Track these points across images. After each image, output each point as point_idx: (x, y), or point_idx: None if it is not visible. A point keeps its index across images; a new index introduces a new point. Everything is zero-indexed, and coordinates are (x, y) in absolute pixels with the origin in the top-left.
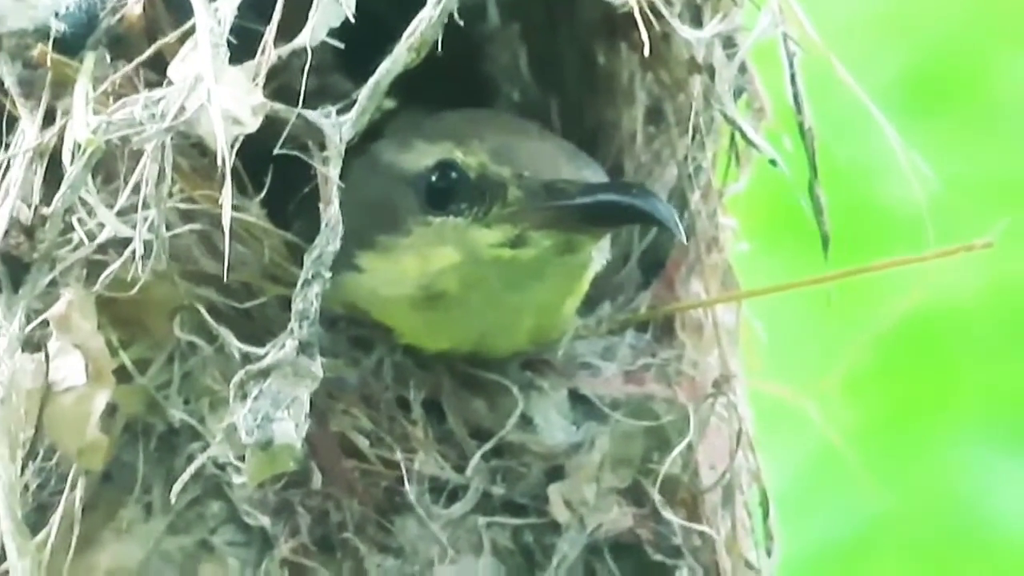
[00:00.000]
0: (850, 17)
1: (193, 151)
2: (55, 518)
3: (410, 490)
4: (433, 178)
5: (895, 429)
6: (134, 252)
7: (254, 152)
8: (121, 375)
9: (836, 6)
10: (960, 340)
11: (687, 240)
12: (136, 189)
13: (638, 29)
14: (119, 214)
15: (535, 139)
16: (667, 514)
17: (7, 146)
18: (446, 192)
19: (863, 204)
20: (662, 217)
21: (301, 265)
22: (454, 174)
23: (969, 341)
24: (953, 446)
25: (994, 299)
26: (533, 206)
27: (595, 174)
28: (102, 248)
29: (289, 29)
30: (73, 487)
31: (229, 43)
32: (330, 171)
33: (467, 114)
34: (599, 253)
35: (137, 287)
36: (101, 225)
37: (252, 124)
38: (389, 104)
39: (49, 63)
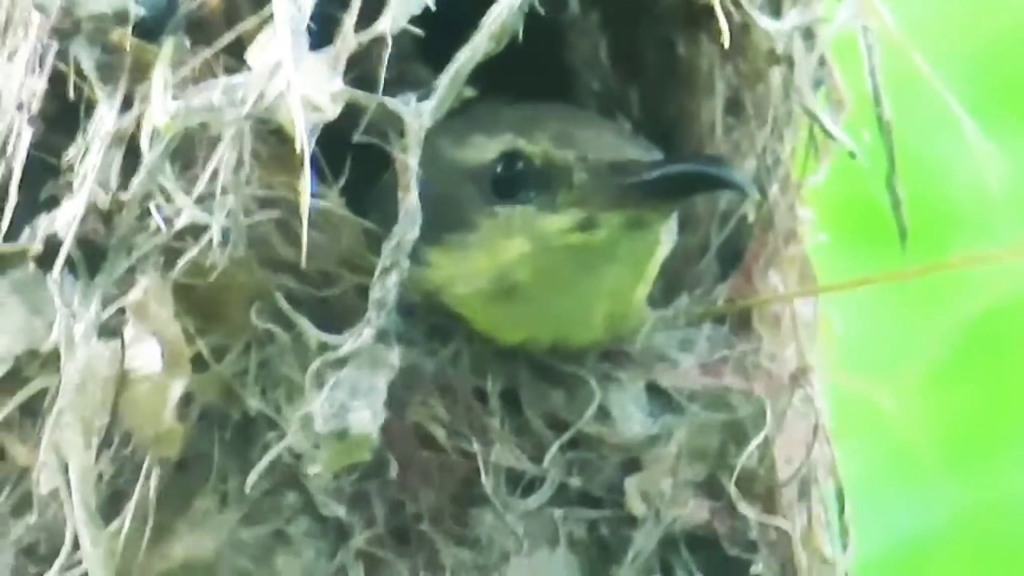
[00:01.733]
0: (926, 10)
1: (272, 138)
2: (129, 507)
3: (486, 481)
4: (498, 169)
5: (973, 426)
6: (211, 239)
7: (333, 139)
8: (197, 363)
9: (911, 3)
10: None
11: (766, 231)
12: (214, 176)
13: (718, 20)
14: (197, 201)
15: (595, 125)
16: (743, 508)
17: (85, 131)
18: (512, 182)
19: (939, 197)
20: (734, 179)
21: (379, 253)
22: (519, 163)
23: None
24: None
25: None
26: (600, 186)
27: (657, 155)
28: (179, 235)
29: (369, 16)
30: (148, 476)
31: (309, 29)
32: (409, 159)
33: (524, 107)
34: (668, 234)
35: (214, 274)
36: (179, 211)
37: (331, 111)
38: (469, 92)
39: (128, 47)
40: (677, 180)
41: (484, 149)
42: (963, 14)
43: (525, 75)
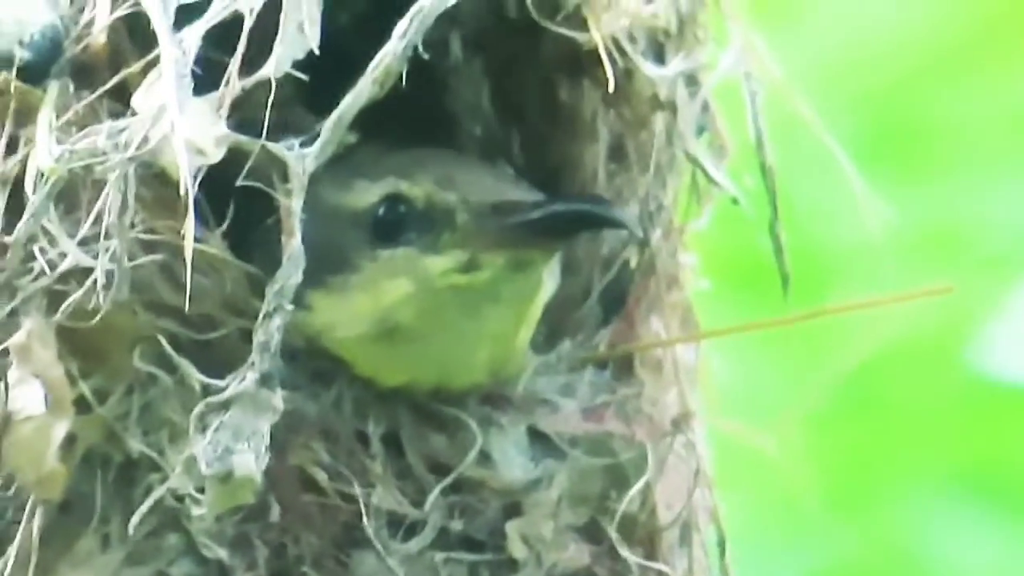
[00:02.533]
0: (808, 59)
1: (156, 181)
2: (12, 549)
3: (368, 525)
4: (380, 212)
5: (854, 473)
6: (95, 282)
7: (217, 184)
8: (80, 405)
9: (793, 52)
10: (915, 384)
11: (649, 276)
12: (98, 219)
13: (602, 66)
14: (81, 244)
15: (478, 168)
16: (624, 552)
17: None
18: (394, 225)
19: (822, 246)
20: (617, 218)
21: (262, 298)
22: (401, 207)
23: (916, 388)
24: (911, 494)
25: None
26: (483, 227)
27: (540, 196)
28: (63, 278)
29: (254, 61)
30: (31, 517)
31: (193, 74)
32: (292, 203)
33: (406, 152)
34: (551, 276)
35: (98, 317)
36: (63, 255)
37: (215, 155)
38: (352, 138)
39: (13, 91)
40: (560, 219)
41: (366, 193)
42: (845, 64)
43: (408, 121)
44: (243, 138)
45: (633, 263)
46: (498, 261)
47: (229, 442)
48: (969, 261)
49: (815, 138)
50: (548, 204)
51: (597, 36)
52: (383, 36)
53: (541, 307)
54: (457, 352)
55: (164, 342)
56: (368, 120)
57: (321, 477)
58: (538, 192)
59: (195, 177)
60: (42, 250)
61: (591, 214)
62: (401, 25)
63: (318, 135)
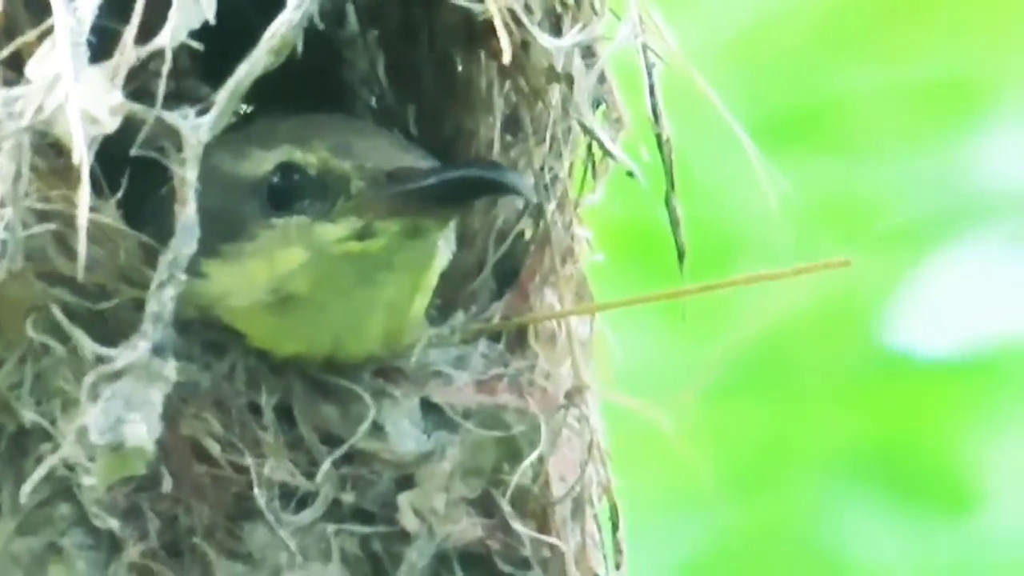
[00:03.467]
0: (701, 38)
1: (50, 151)
2: None
3: (259, 496)
4: (274, 180)
5: (748, 449)
6: None
7: (111, 153)
8: None
9: (688, 27)
10: (808, 363)
11: (543, 249)
12: None
13: (497, 37)
14: None
15: (373, 135)
16: (517, 525)
17: None
18: (288, 193)
19: (718, 222)
20: (512, 183)
21: (156, 267)
22: (295, 175)
23: (817, 364)
24: (807, 473)
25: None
26: (378, 195)
27: (435, 163)
28: None
29: (149, 30)
30: None
31: (88, 43)
32: (187, 173)
33: (301, 119)
34: (446, 244)
35: None
36: None
37: (110, 125)
38: (246, 108)
39: None
40: (455, 185)
41: (261, 161)
42: (740, 39)
43: (303, 92)
44: (138, 107)
45: (528, 235)
46: (392, 229)
47: (121, 412)
48: (867, 236)
49: (711, 112)
50: (443, 171)
51: (493, 7)
52: (279, 7)
53: (436, 275)
54: (351, 320)
55: (57, 311)
56: (264, 91)
57: (213, 448)
58: (433, 160)
59: (89, 146)
60: None
61: (486, 180)
62: None
63: (213, 105)
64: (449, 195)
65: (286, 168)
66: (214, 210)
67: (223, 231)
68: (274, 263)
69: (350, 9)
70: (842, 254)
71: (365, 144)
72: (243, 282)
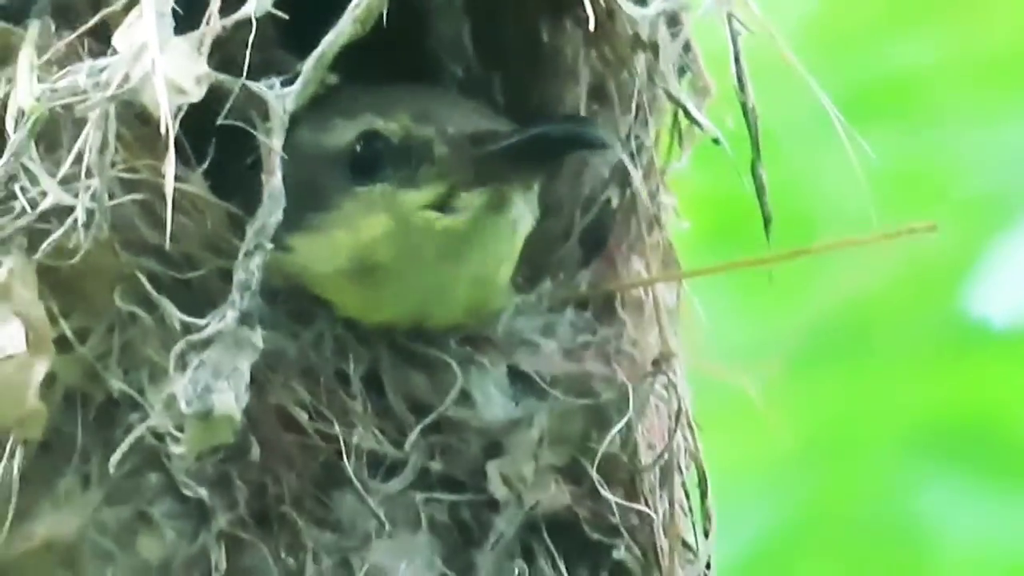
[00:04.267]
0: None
1: (136, 121)
2: None
3: (348, 464)
4: (357, 149)
5: (833, 416)
6: (76, 220)
7: (197, 123)
8: (61, 344)
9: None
10: (889, 332)
11: (630, 216)
12: (79, 158)
13: (583, 5)
14: (62, 182)
15: (455, 102)
16: (605, 493)
17: None
18: (371, 161)
19: (801, 190)
20: (594, 136)
21: (243, 237)
22: (378, 143)
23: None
24: (890, 441)
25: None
26: (461, 158)
27: (513, 125)
28: (44, 216)
29: (234, 0)
30: (11, 456)
31: (174, 13)
32: (273, 142)
33: (383, 89)
34: (530, 210)
35: (78, 256)
36: (43, 193)
37: (196, 94)
38: (332, 79)
39: None
40: (538, 143)
41: (343, 131)
42: (816, 12)
43: (389, 63)
44: (224, 77)
45: (614, 203)
46: (476, 202)
47: (209, 381)
48: (947, 207)
49: (796, 82)
50: (526, 129)
51: None
52: None
53: (520, 245)
54: (435, 291)
55: (145, 281)
56: (349, 62)
57: (301, 416)
58: (516, 126)
59: (176, 116)
60: (23, 189)
61: (570, 134)
62: None
63: (299, 75)
64: (533, 154)
65: (369, 136)
66: (298, 182)
67: (308, 203)
68: (358, 232)
69: None
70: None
71: (447, 110)
72: (328, 251)
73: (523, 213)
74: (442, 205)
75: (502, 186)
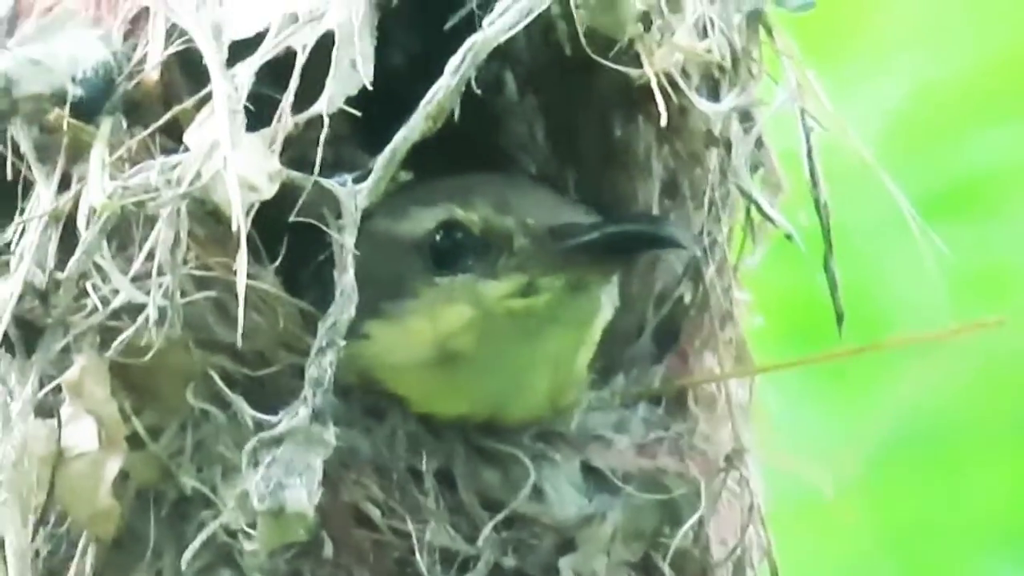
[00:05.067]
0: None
1: (208, 218)
2: None
3: (421, 561)
4: (437, 239)
5: (908, 512)
6: (148, 318)
7: (269, 220)
8: (133, 442)
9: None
10: (967, 428)
11: (702, 312)
12: (151, 255)
13: (655, 101)
14: (133, 280)
15: (533, 191)
16: None
17: (23, 211)
18: (451, 252)
19: (874, 287)
20: (674, 237)
21: (315, 334)
22: (458, 233)
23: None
24: (959, 537)
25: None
26: (541, 251)
27: (596, 218)
28: (116, 314)
29: (306, 97)
30: (84, 554)
31: (246, 110)
32: (345, 239)
33: (459, 179)
34: (608, 299)
35: (151, 354)
36: (115, 291)
37: (268, 191)
38: (404, 175)
39: (66, 127)
40: (618, 240)
41: (422, 220)
42: (891, 113)
43: (460, 160)
44: (296, 174)
45: (687, 299)
46: (556, 284)
47: (281, 477)
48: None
49: (871, 178)
50: (605, 225)
51: (651, 72)
52: (437, 73)
53: (599, 330)
54: (516, 377)
55: (217, 378)
56: (421, 159)
57: (374, 513)
58: (595, 215)
59: (247, 213)
60: (95, 287)
61: (648, 233)
62: (454, 60)
63: (371, 171)
64: (612, 249)
65: (448, 226)
66: (374, 270)
67: (384, 291)
68: (438, 321)
69: (508, 76)
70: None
71: (526, 200)
72: (406, 340)
73: (602, 299)
74: (522, 295)
75: (581, 274)
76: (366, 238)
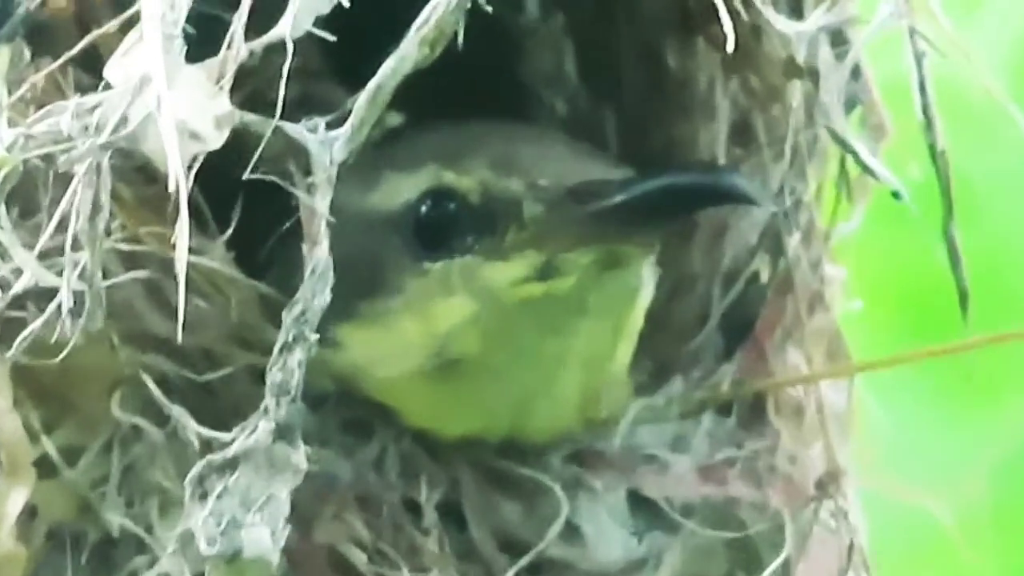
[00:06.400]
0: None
1: (138, 176)
2: None
3: None
4: (423, 212)
5: None
6: (60, 307)
7: (218, 179)
8: (44, 468)
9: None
10: None
11: (784, 294)
12: (63, 225)
13: (719, 20)
14: (41, 257)
15: (545, 142)
16: None
17: None
18: (443, 227)
19: (1005, 257)
20: (738, 189)
21: (278, 325)
22: (450, 203)
23: None
24: None
25: None
26: (560, 219)
27: (628, 172)
28: (19, 301)
29: (265, 19)
30: None
31: (185, 34)
32: (317, 202)
33: (449, 130)
34: (650, 278)
35: (64, 353)
36: (17, 271)
37: (215, 140)
38: (395, 119)
39: None
40: (661, 198)
41: (401, 189)
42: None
43: (468, 98)
44: (252, 117)
45: (764, 277)
46: (582, 261)
47: (237, 512)
48: None
49: (997, 118)
50: (641, 180)
51: None
52: None
53: (640, 321)
54: (537, 385)
55: (151, 384)
56: (416, 100)
57: (358, 558)
58: (627, 168)
59: (189, 169)
60: None
61: (702, 187)
62: None
63: (350, 114)
64: (653, 211)
65: (437, 195)
66: (343, 258)
67: (358, 286)
68: (432, 320)
69: None
70: None
71: (535, 154)
72: (392, 348)
73: (643, 278)
74: (539, 278)
75: (614, 245)
76: (334, 213)
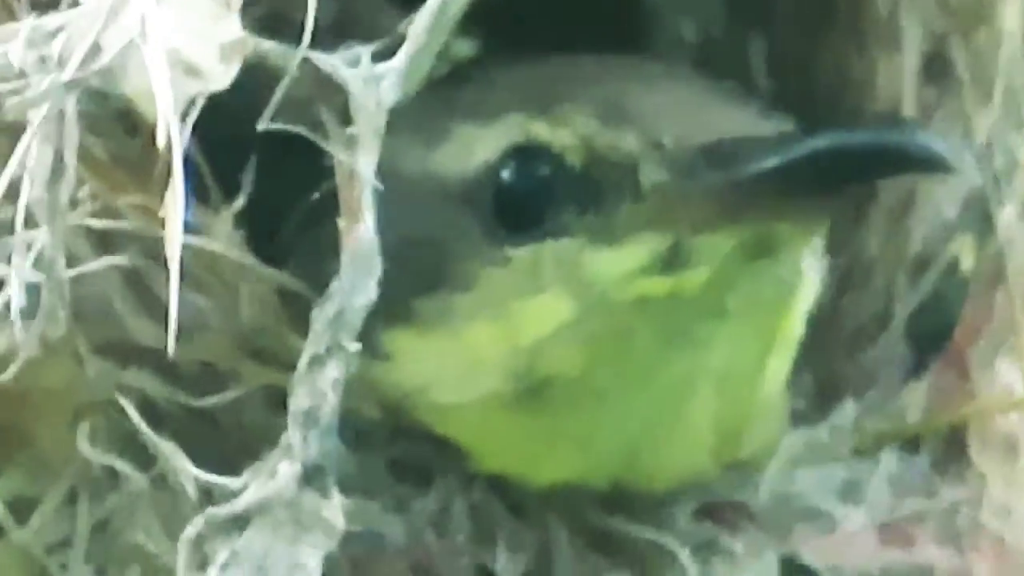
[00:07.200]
0: None
1: (115, 127)
2: None
3: None
4: (504, 178)
5: None
6: (8, 305)
7: (224, 131)
8: None
9: None
10: None
11: (993, 289)
12: (12, 193)
13: None
14: None
15: (667, 83)
16: None
17: None
18: (532, 199)
19: None
20: (929, 152)
21: (305, 332)
22: (541, 166)
23: None
24: None
25: None
26: (690, 189)
27: (783, 125)
28: None
29: None
30: None
31: None
32: (358, 162)
33: (541, 66)
34: (815, 268)
35: (14, 367)
36: None
37: (220, 77)
38: (466, 49)
39: None
40: (825, 162)
41: (475, 147)
42: None
43: (566, 21)
44: (271, 45)
45: (966, 266)
46: (721, 246)
47: None
48: None
49: None
50: (800, 139)
51: None
52: None
53: (801, 326)
54: (658, 416)
55: (132, 411)
56: (495, 18)
57: None
58: (781, 120)
59: (185, 117)
60: None
61: (884, 148)
62: None
63: (403, 41)
64: (818, 180)
65: (524, 155)
66: (395, 240)
67: (413, 277)
68: (515, 325)
69: None
70: None
71: (657, 100)
72: (460, 364)
73: (802, 269)
74: (663, 269)
75: (764, 226)
76: (384, 177)
